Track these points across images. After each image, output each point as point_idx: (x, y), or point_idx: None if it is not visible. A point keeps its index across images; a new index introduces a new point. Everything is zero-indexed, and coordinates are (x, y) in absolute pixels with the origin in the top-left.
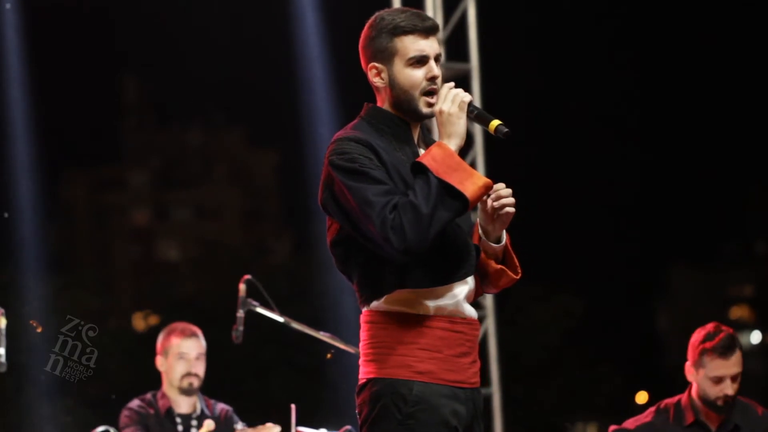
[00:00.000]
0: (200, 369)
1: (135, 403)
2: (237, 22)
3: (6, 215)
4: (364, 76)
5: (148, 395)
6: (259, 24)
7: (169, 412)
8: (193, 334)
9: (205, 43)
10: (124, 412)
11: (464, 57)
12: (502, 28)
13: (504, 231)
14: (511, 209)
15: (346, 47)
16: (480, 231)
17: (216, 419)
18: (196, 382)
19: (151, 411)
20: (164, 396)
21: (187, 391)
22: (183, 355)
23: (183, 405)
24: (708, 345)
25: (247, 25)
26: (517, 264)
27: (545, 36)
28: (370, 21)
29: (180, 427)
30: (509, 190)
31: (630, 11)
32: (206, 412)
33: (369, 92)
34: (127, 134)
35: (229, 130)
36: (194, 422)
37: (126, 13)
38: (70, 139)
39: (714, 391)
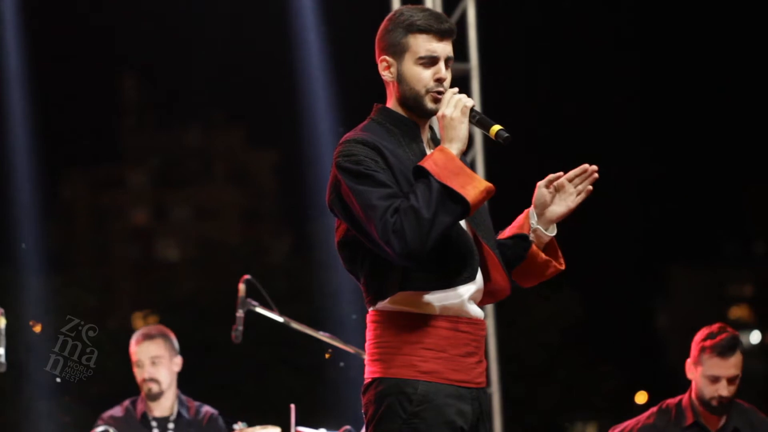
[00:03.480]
0: (158, 373)
1: (109, 412)
2: (237, 22)
3: None
4: (364, 75)
5: (127, 401)
6: (259, 23)
7: (144, 417)
8: (148, 337)
9: (205, 43)
10: (98, 422)
11: (464, 57)
12: (502, 28)
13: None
14: (581, 197)
15: (346, 47)
16: (533, 220)
17: (197, 423)
18: (155, 387)
19: (124, 416)
20: (143, 400)
21: (150, 397)
22: (138, 362)
23: (157, 409)
24: (709, 343)
25: (246, 24)
26: (560, 255)
27: (545, 36)
28: (389, 15)
29: (156, 431)
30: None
31: (630, 12)
32: (184, 414)
33: (368, 92)
34: (127, 134)
35: (228, 130)
36: (171, 425)
37: (126, 12)
38: (70, 139)
39: (709, 391)
